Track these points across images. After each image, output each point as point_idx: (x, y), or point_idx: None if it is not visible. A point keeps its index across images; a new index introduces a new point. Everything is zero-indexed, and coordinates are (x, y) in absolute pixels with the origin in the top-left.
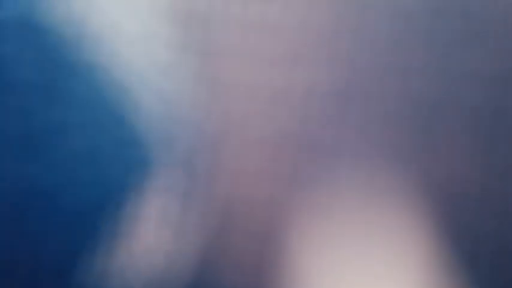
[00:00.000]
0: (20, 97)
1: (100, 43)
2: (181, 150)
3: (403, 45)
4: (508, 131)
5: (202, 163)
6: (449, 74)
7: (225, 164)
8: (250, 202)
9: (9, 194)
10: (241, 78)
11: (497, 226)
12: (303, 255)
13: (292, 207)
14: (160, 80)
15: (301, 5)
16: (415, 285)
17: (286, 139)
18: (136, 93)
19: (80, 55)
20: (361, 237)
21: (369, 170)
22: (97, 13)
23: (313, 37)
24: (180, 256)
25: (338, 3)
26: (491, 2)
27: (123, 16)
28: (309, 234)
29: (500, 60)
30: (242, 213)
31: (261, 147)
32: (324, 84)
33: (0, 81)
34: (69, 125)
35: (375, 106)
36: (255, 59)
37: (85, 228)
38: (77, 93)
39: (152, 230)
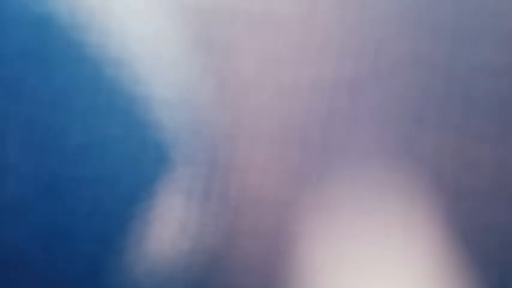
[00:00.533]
0: (25, 91)
1: (108, 39)
2: (191, 149)
3: (412, 38)
4: None
5: (213, 161)
6: (458, 67)
7: (236, 162)
8: (259, 201)
9: (24, 193)
10: (249, 74)
11: (508, 220)
12: (311, 255)
13: (301, 206)
14: (170, 77)
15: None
16: (424, 283)
17: (296, 136)
18: (147, 91)
19: (87, 50)
20: (370, 236)
21: (378, 166)
22: (104, 9)
23: (321, 31)
24: (190, 255)
25: None
26: None
27: (131, 11)
28: (318, 234)
29: (510, 52)
30: (251, 213)
31: (271, 145)
32: (333, 80)
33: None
34: (76, 123)
35: (384, 100)
36: (262, 55)
37: (99, 227)
38: (81, 87)
39: (162, 230)
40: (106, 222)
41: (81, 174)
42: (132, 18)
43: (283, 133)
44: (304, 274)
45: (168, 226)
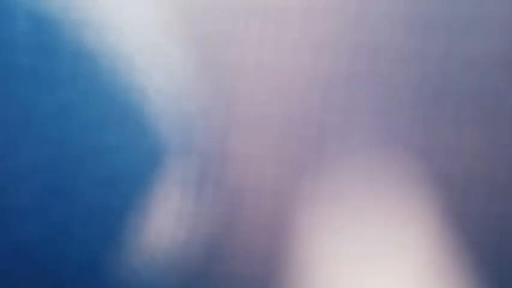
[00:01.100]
0: (19, 85)
1: (104, 32)
2: (188, 140)
3: (405, 33)
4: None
5: (210, 152)
6: (452, 61)
7: (233, 152)
8: (257, 191)
9: (26, 192)
10: (246, 66)
11: (502, 217)
12: (309, 245)
13: (299, 196)
14: (167, 69)
15: None
16: (423, 278)
17: (294, 127)
18: (143, 83)
19: (85, 44)
20: (369, 226)
21: (374, 157)
22: (101, 3)
23: (318, 26)
24: (189, 246)
25: None
26: None
27: (128, 6)
28: (316, 224)
29: (505, 46)
30: (249, 203)
31: (268, 135)
32: (329, 73)
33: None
34: (75, 116)
35: (379, 94)
36: (259, 47)
37: (92, 220)
38: (79, 83)
39: (160, 221)
40: (103, 214)
41: (76, 171)
42: (129, 12)
43: (280, 124)
44: (302, 264)
45: (166, 217)
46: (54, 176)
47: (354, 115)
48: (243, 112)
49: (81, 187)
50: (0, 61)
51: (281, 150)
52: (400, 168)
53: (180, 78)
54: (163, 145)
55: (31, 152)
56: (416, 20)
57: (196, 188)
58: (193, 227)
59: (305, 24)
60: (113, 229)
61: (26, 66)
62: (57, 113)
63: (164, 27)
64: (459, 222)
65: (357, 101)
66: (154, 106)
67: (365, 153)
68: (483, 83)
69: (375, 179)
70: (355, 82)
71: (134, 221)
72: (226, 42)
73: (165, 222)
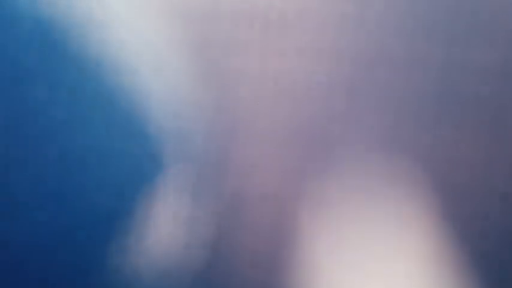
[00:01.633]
0: (23, 90)
1: (105, 36)
2: (190, 147)
3: (407, 39)
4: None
5: (212, 159)
6: (452, 67)
7: (235, 158)
8: (259, 198)
9: (17, 194)
10: (250, 72)
11: (501, 220)
12: (313, 251)
13: (301, 202)
14: (167, 75)
15: None
16: (425, 281)
17: (296, 133)
18: (144, 88)
19: (85, 47)
20: (372, 232)
21: (377, 163)
22: (101, 7)
23: (318, 31)
24: (190, 252)
25: None
26: None
27: (128, 11)
28: (318, 230)
29: (505, 52)
30: (251, 209)
31: (270, 143)
32: (331, 79)
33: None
34: (75, 119)
35: (381, 99)
36: (260, 53)
37: (94, 224)
38: (82, 87)
39: (162, 227)
40: (104, 219)
41: (72, 175)
42: (129, 17)
43: (282, 130)
44: (305, 270)
45: (166, 222)
46: (57, 180)
47: (357, 122)
48: (245, 119)
49: (84, 191)
50: (5, 61)
51: (283, 157)
52: (402, 175)
53: (182, 85)
54: (165, 151)
55: (34, 155)
56: (417, 26)
57: (199, 194)
58: (195, 232)
59: (307, 30)
60: (114, 232)
61: (29, 67)
62: (61, 116)
63: (166, 33)
64: (461, 227)
65: (359, 107)
66: (157, 112)
67: (368, 160)
68: (484, 91)
69: (378, 186)
70: (357, 89)
71: (136, 224)
72: (227, 49)
73: (166, 226)
